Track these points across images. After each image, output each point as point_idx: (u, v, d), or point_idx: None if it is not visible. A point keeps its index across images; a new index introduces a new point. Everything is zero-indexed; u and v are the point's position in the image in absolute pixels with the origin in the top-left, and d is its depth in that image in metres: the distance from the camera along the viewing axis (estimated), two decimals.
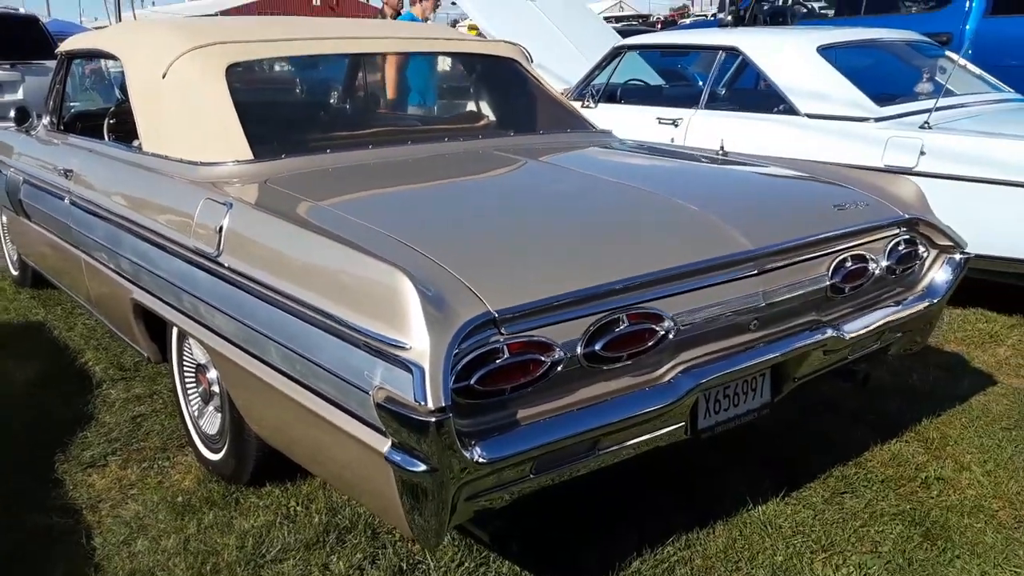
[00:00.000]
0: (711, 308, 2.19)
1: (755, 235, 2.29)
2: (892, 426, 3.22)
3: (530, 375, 1.88)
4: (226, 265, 2.30)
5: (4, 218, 4.93)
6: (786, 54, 5.14)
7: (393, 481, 1.81)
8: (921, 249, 2.79)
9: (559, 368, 1.92)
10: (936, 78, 5.20)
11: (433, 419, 1.67)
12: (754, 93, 5.59)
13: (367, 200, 2.57)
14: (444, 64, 4.29)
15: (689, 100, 5.63)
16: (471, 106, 3.92)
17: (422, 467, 1.73)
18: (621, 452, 2.14)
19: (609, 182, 2.77)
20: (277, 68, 3.44)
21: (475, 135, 3.29)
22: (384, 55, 3.64)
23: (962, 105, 4.82)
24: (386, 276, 1.81)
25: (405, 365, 1.72)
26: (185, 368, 2.94)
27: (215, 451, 2.79)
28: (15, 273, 5.16)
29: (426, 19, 6.40)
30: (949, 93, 4.80)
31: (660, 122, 5.48)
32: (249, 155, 2.73)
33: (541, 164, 2.96)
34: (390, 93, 3.63)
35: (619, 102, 6.09)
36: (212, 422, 2.80)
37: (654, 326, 2.07)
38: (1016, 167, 4.00)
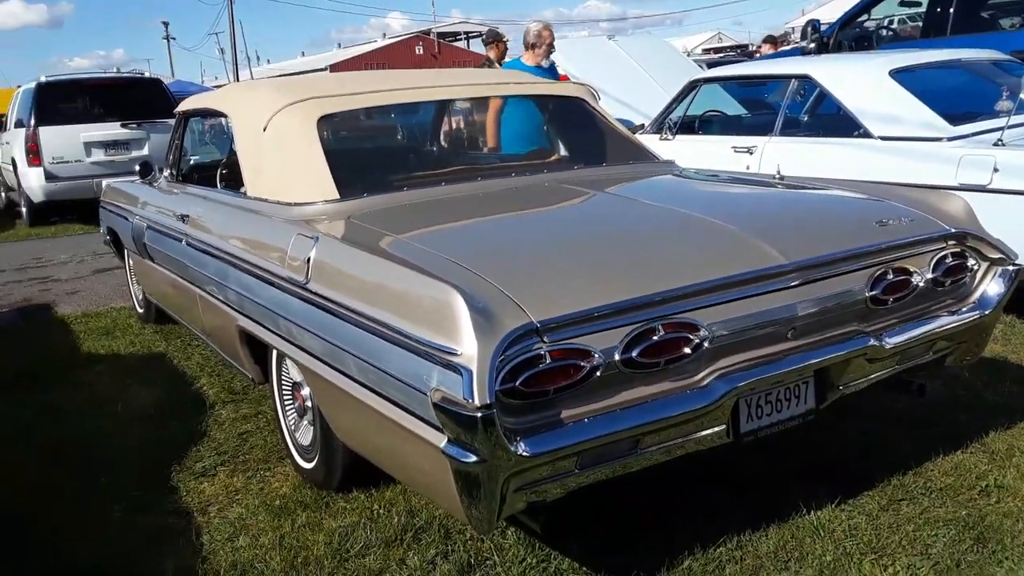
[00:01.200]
0: (746, 318, 2.36)
1: (789, 250, 2.45)
2: (958, 437, 3.25)
3: (571, 378, 2.11)
4: (313, 290, 2.63)
5: (131, 261, 5.51)
6: (857, 79, 5.22)
7: (450, 472, 2.06)
8: (971, 262, 2.86)
9: (598, 373, 2.13)
10: (1018, 95, 5.16)
11: (480, 414, 1.92)
12: (828, 118, 5.66)
13: (433, 230, 2.87)
14: (520, 106, 4.60)
15: (763, 128, 5.75)
16: (541, 143, 4.20)
17: (473, 458, 1.98)
18: (663, 452, 2.32)
19: (655, 206, 2.99)
20: (364, 117, 3.82)
21: (542, 169, 3.57)
22: (459, 101, 3.97)
23: None
24: (439, 292, 2.08)
25: (456, 368, 1.97)
26: (283, 387, 3.29)
27: (308, 460, 3.11)
28: (140, 311, 5.74)
29: (539, 66, 6.59)
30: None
31: (735, 151, 5.62)
32: (335, 195, 3.07)
33: (597, 192, 3.20)
34: (463, 134, 3.94)
35: (697, 133, 6.26)
36: (306, 434, 3.13)
37: (689, 335, 2.26)
38: None
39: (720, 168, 5.44)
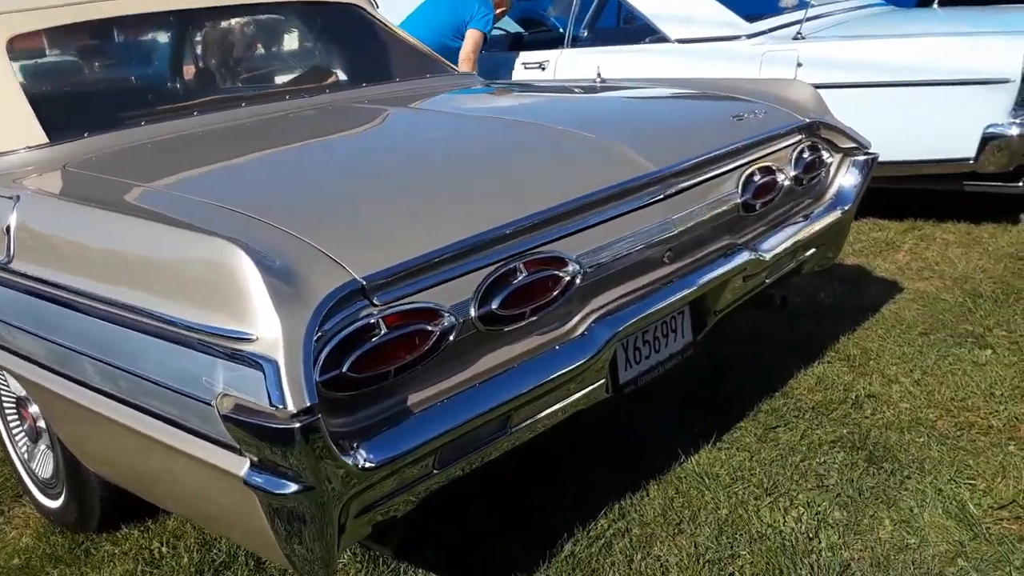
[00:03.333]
0: (619, 243, 1.88)
1: (656, 155, 1.99)
2: (810, 348, 3.03)
3: (417, 351, 1.52)
4: (19, 271, 1.83)
5: None
6: None
7: (260, 509, 1.42)
8: (825, 155, 2.57)
9: (451, 337, 1.57)
10: None
11: (297, 424, 1.29)
12: (622, 26, 5.34)
13: (190, 173, 2.12)
14: (281, 20, 3.81)
15: (555, 41, 5.33)
16: (315, 61, 3.46)
17: (293, 487, 1.36)
18: (539, 424, 1.81)
19: (484, 120, 2.42)
20: (81, 34, 2.90)
21: (322, 91, 2.87)
22: (206, 13, 3.14)
23: (828, 15, 4.69)
24: (214, 252, 1.40)
25: (253, 361, 1.33)
26: (5, 403, 2.43)
27: (53, 497, 2.30)
28: None
29: None
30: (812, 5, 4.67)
31: (526, 67, 5.15)
32: (42, 138, 2.23)
33: (402, 112, 2.58)
34: (218, 56, 3.15)
35: (482, 52, 5.72)
36: (45, 463, 2.31)
37: (557, 272, 1.74)
38: (892, 68, 3.88)
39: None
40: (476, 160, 2.00)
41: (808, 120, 2.49)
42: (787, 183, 2.37)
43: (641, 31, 4.92)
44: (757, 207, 2.28)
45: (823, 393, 2.74)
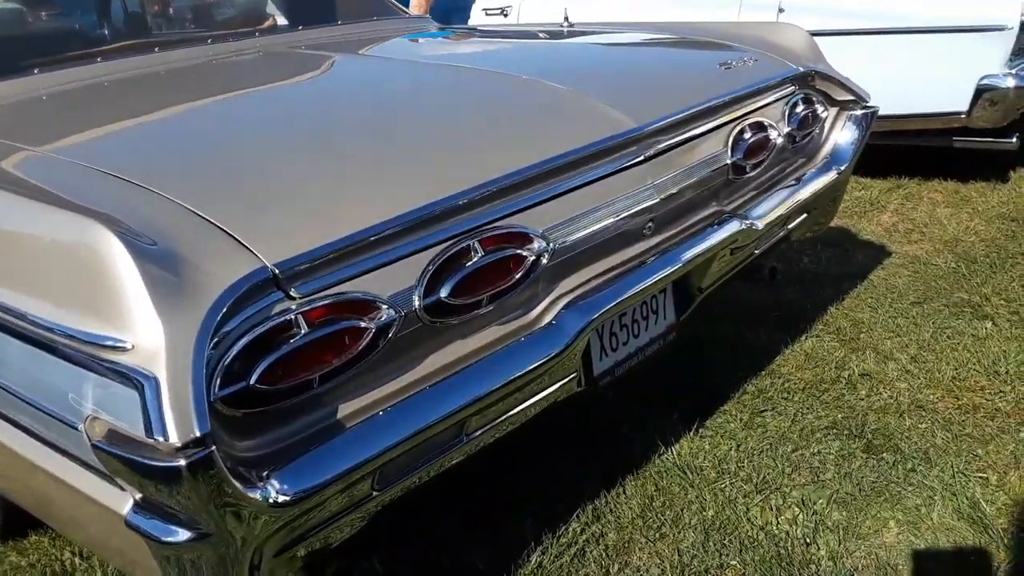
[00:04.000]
0: (593, 214, 1.59)
1: (634, 110, 1.69)
2: (798, 321, 2.79)
3: (347, 353, 1.23)
4: None
5: None
6: None
7: (151, 556, 1.14)
8: (820, 109, 2.29)
9: (390, 334, 1.28)
10: None
11: (183, 461, 1.00)
12: None
13: (83, 131, 1.76)
14: None
15: None
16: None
17: (184, 535, 1.07)
18: (500, 427, 1.54)
19: (435, 69, 2.09)
20: None
21: (250, 34, 2.51)
22: None
23: None
24: (79, 233, 1.09)
25: (127, 377, 1.03)
26: None
27: None
28: None
29: None
30: None
31: (487, 13, 4.78)
32: None
33: (341, 60, 2.24)
34: None
35: None
36: None
37: (520, 250, 1.45)
38: (880, 15, 3.61)
39: None
40: (422, 117, 1.68)
41: (802, 69, 2.20)
42: (779, 141, 2.10)
43: None
44: (748, 169, 2.00)
45: (813, 371, 2.51)
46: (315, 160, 1.47)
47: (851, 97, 2.33)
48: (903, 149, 4.13)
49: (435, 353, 1.39)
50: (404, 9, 2.87)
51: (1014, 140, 3.64)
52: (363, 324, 1.24)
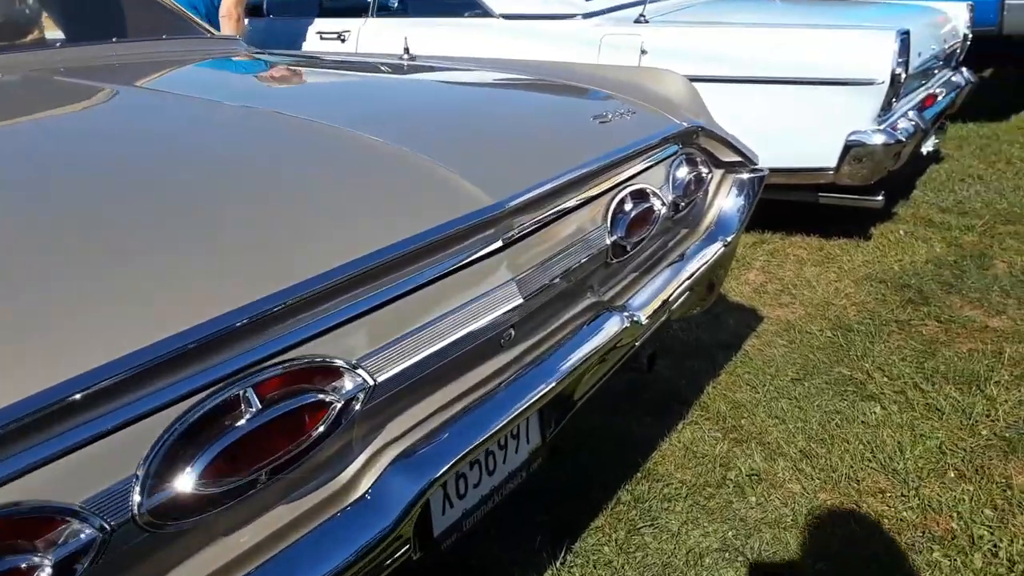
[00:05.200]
0: (431, 327, 1.13)
1: (493, 179, 1.26)
2: (672, 403, 2.45)
3: None
4: None
5: None
6: None
7: None
8: (704, 171, 1.94)
9: (90, 560, 0.76)
10: None
11: None
12: None
13: None
14: None
15: (357, 9, 4.48)
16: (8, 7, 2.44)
17: None
18: None
19: (217, 110, 1.56)
20: None
21: (6, 50, 1.91)
22: None
23: None
24: None
25: None
26: None
27: None
28: None
29: None
30: None
31: (322, 37, 4.28)
32: None
33: (97, 93, 1.68)
34: None
35: (266, 16, 4.78)
36: None
37: (321, 394, 0.97)
38: (748, 61, 3.38)
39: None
40: (177, 193, 1.13)
41: (686, 125, 1.85)
42: (663, 212, 1.72)
43: (464, 2, 4.19)
44: (629, 248, 1.61)
45: (695, 470, 2.15)
46: None
47: (738, 158, 2.00)
48: (764, 201, 3.93)
49: (193, 557, 0.89)
50: (208, 28, 2.32)
51: (880, 198, 3.49)
52: (35, 559, 0.72)
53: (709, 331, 2.95)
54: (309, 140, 1.31)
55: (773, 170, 3.43)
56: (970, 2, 4.60)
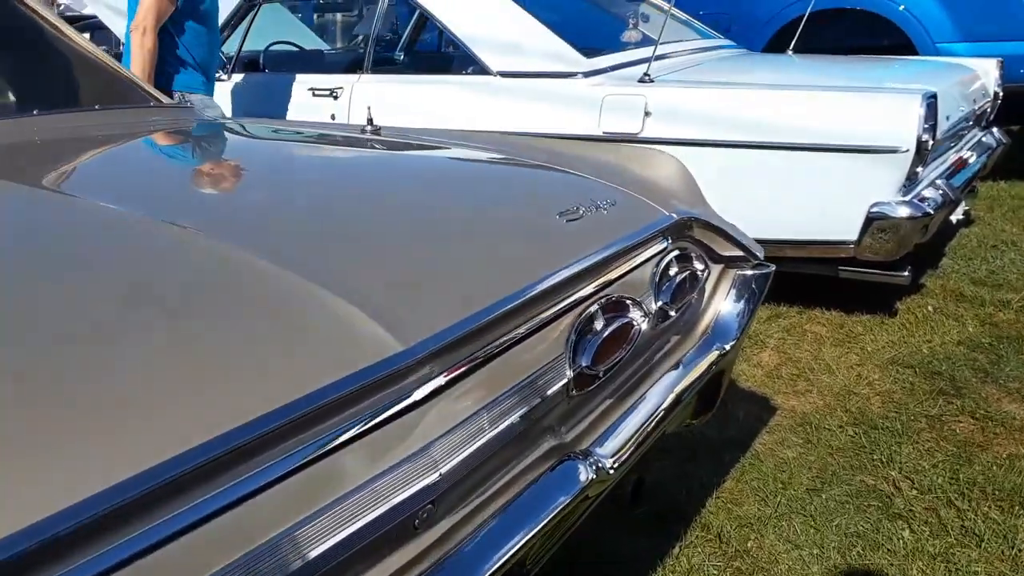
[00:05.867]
0: (316, 520, 0.86)
1: (406, 317, 0.99)
2: (667, 521, 2.15)
3: None
4: None
5: None
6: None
7: None
8: (699, 267, 1.67)
9: None
10: (642, 26, 4.32)
11: None
12: (434, 50, 4.41)
13: None
14: None
15: (352, 64, 4.32)
16: None
17: None
18: None
19: (127, 225, 1.26)
20: None
21: None
22: None
23: (676, 54, 3.94)
24: None
25: None
26: None
27: None
28: None
29: None
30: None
31: (315, 95, 4.09)
32: None
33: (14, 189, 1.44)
34: None
35: (263, 71, 4.62)
36: None
37: None
38: (762, 125, 3.12)
39: (295, 119, 3.95)
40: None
41: (677, 216, 1.58)
42: (645, 326, 1.45)
43: (460, 59, 4.01)
44: (600, 375, 1.33)
45: None
46: None
47: (739, 252, 1.73)
48: (780, 272, 3.65)
49: None
50: (154, 95, 2.10)
51: (906, 274, 3.20)
52: None
53: (716, 425, 2.64)
54: (196, 265, 1.05)
55: (788, 243, 3.19)
56: (999, 58, 4.33)
